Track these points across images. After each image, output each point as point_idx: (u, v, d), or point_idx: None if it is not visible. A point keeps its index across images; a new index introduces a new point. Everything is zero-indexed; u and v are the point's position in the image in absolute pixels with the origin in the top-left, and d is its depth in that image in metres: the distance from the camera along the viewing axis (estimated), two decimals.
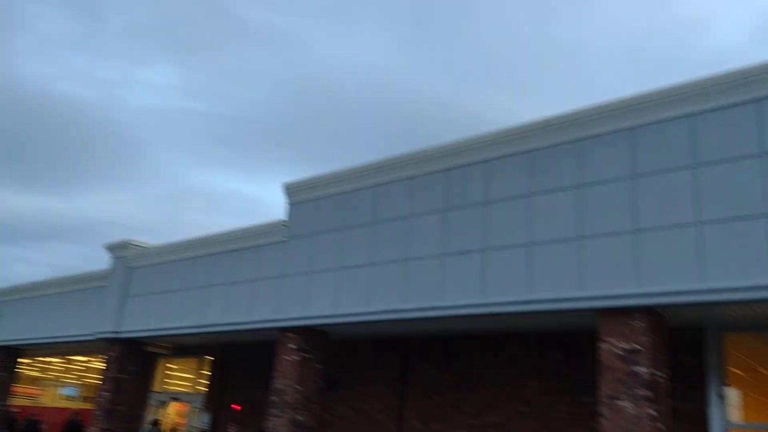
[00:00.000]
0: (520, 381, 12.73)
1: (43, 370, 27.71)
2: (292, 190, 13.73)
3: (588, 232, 9.12)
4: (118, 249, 18.07)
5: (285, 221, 13.70)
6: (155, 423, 18.82)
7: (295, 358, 12.56)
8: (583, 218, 9.24)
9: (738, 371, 10.83)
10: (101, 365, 18.23)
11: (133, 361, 17.30)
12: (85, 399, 24.98)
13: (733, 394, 10.73)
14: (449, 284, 10.50)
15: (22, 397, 26.11)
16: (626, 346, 8.54)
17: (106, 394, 16.83)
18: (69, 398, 26.20)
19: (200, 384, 19.17)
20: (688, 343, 10.55)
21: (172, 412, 19.89)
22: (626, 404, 8.34)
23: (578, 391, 11.74)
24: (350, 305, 11.85)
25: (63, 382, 27.18)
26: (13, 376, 22.91)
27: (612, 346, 8.65)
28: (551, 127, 9.99)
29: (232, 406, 17.81)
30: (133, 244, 17.73)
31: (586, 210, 9.26)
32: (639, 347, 8.43)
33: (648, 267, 8.47)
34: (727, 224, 7.98)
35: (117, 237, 19.84)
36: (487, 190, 10.52)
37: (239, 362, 18.19)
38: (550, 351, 12.42)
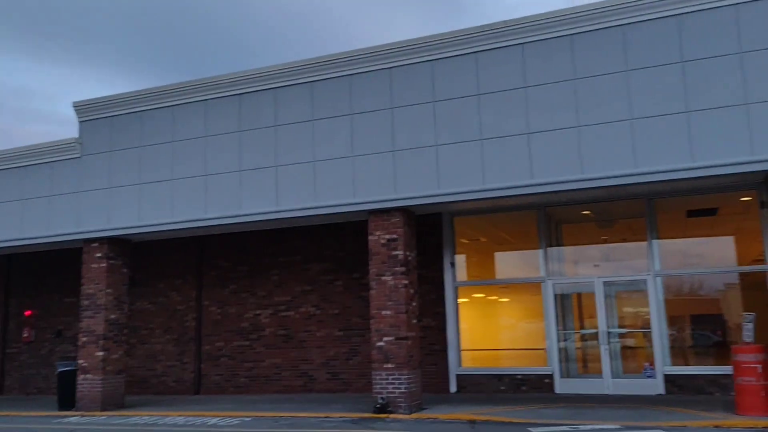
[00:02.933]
0: (304, 266, 15.51)
1: None
2: (83, 109, 14.15)
3: (359, 152, 11.71)
4: None
5: (78, 139, 14.19)
6: None
7: (102, 264, 13.77)
8: (355, 142, 11.77)
9: (466, 241, 14.79)
10: None
11: None
12: None
13: (461, 261, 14.68)
14: (246, 195, 12.51)
15: None
16: (388, 236, 11.52)
17: None
18: None
19: None
20: (430, 227, 14.07)
21: None
22: (388, 278, 11.44)
23: (351, 270, 14.89)
24: (154, 216, 13.27)
25: None
26: None
27: (378, 237, 11.59)
28: (327, 64, 12.13)
29: (25, 313, 18.25)
30: None
31: (356, 135, 11.79)
32: (396, 237, 11.47)
33: (402, 179, 11.40)
34: (455, 147, 11.09)
35: None
36: (276, 115, 12.47)
37: (23, 271, 18.44)
38: (328, 240, 15.27)
